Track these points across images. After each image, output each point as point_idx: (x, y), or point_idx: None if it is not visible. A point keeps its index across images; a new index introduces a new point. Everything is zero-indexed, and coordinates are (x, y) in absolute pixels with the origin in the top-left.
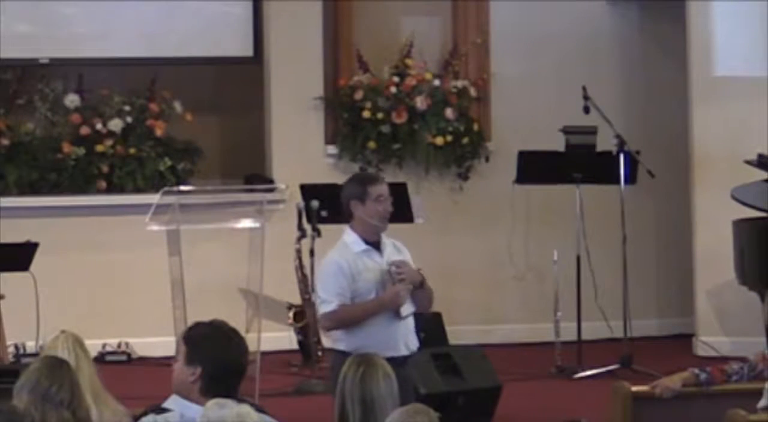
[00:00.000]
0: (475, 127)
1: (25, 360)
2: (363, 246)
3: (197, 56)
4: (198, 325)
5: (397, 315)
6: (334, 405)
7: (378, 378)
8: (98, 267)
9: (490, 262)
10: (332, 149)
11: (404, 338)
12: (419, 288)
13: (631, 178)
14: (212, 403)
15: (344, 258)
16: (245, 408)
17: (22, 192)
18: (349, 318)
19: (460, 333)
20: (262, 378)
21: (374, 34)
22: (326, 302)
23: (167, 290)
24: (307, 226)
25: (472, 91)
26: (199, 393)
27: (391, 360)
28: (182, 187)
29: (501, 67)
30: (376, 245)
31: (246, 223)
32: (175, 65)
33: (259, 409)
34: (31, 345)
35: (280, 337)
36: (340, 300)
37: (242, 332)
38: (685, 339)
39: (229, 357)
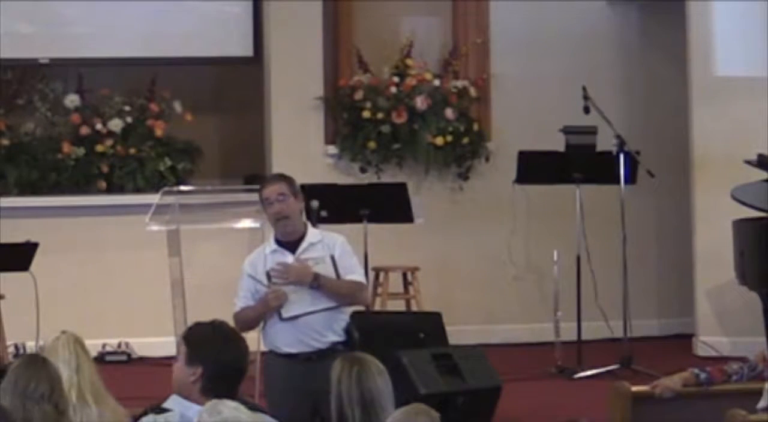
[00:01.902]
0: (475, 127)
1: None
2: (273, 246)
3: (197, 56)
4: (198, 325)
5: (279, 316)
6: (332, 409)
7: (374, 375)
8: (98, 267)
9: (490, 262)
10: (332, 149)
11: (303, 336)
12: (317, 287)
13: (631, 178)
14: (204, 411)
15: (251, 260)
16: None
17: (22, 192)
18: (244, 320)
19: (460, 333)
20: (262, 379)
21: (374, 34)
22: (235, 305)
23: (167, 290)
24: None
25: (472, 91)
26: (199, 393)
27: (296, 357)
28: (182, 187)
29: (501, 67)
30: (291, 245)
31: (246, 223)
32: (175, 65)
33: (259, 409)
34: (31, 345)
35: None
36: (243, 302)
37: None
38: (685, 339)
39: (230, 357)
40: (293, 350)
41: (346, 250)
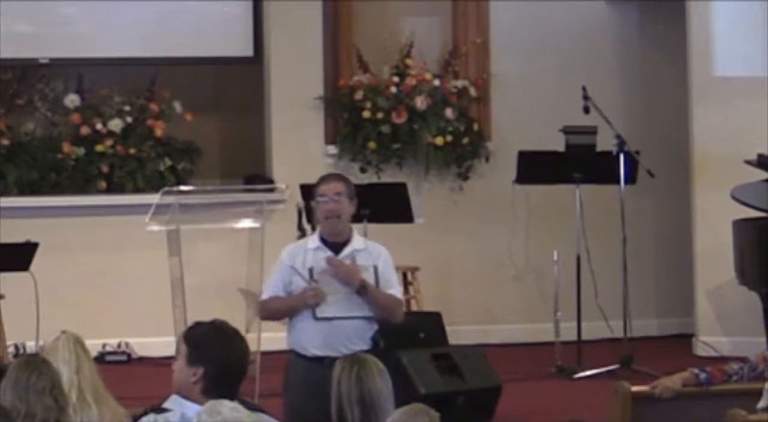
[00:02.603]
0: (475, 127)
1: None
2: (317, 244)
3: (197, 56)
4: (199, 325)
5: (313, 314)
6: (331, 409)
7: (374, 375)
8: (98, 267)
9: (489, 262)
10: (332, 149)
11: (332, 339)
12: (361, 293)
13: (631, 178)
14: (203, 412)
15: (291, 251)
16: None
17: (22, 192)
18: (272, 310)
19: (460, 333)
20: (262, 378)
21: (374, 34)
22: (263, 291)
23: (167, 290)
24: (307, 226)
25: (472, 91)
26: (200, 393)
27: (322, 360)
28: (182, 187)
29: (501, 67)
30: (336, 246)
31: (246, 223)
32: (175, 65)
33: (259, 409)
34: (31, 345)
35: (280, 337)
36: (271, 292)
37: (242, 332)
38: (685, 339)
39: (231, 357)
40: (320, 353)
41: (389, 264)
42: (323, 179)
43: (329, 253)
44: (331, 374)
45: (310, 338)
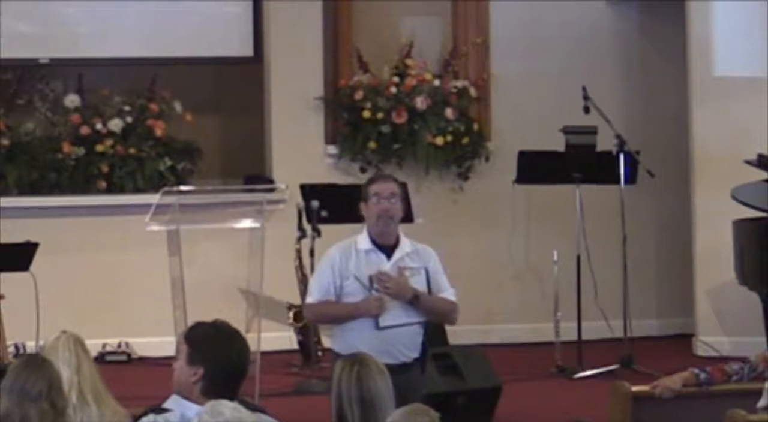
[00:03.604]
0: (475, 127)
1: None
2: (368, 246)
3: (197, 56)
4: (200, 325)
5: (375, 324)
6: (331, 409)
7: (374, 375)
8: (98, 267)
9: (489, 262)
10: (332, 149)
11: (391, 347)
12: (416, 304)
13: (631, 178)
14: (204, 413)
15: (341, 254)
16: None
17: (22, 192)
18: (326, 314)
19: (460, 333)
20: (262, 378)
21: (374, 34)
22: (310, 293)
23: (167, 290)
24: (307, 226)
25: (472, 91)
26: (200, 393)
27: None
28: (182, 187)
29: (501, 67)
30: (387, 248)
31: (246, 223)
32: (175, 65)
33: (259, 409)
34: (31, 345)
35: (280, 337)
36: (322, 294)
37: (242, 332)
38: (685, 339)
39: (232, 358)
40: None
41: (440, 265)
42: (376, 179)
43: (381, 256)
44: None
45: (368, 346)
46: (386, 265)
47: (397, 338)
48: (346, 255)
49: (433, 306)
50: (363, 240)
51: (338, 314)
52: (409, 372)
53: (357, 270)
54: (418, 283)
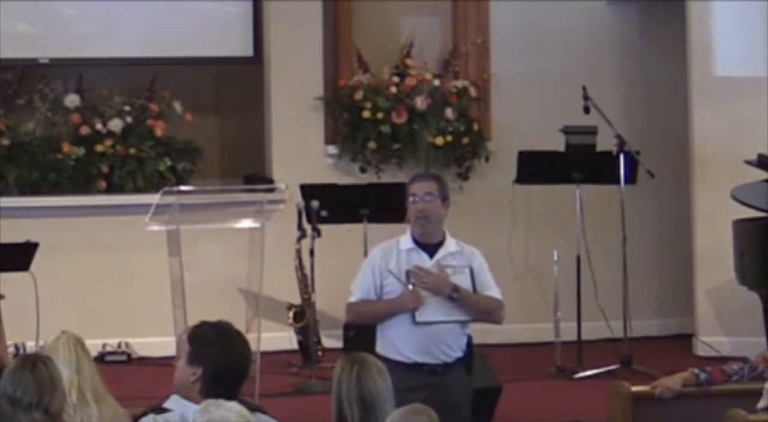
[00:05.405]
0: (475, 127)
1: None
2: (410, 245)
3: (197, 56)
4: (204, 325)
5: (412, 318)
6: (331, 409)
7: (374, 375)
8: (98, 267)
9: (489, 262)
10: (332, 149)
11: (431, 346)
12: (455, 299)
13: (631, 178)
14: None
15: (382, 253)
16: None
17: (22, 192)
18: (365, 313)
19: None
20: (262, 378)
21: (374, 34)
22: (352, 293)
23: (167, 290)
24: (307, 226)
25: (472, 91)
26: (198, 393)
27: (420, 366)
28: (182, 187)
29: (501, 67)
30: (429, 247)
31: (246, 223)
32: (175, 65)
33: (259, 409)
34: (31, 345)
35: (280, 337)
36: (363, 293)
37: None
38: (685, 339)
39: (232, 359)
40: (419, 359)
41: (485, 265)
42: (415, 178)
43: (423, 255)
44: (431, 381)
45: (407, 343)
46: (427, 264)
47: (438, 336)
48: (387, 256)
49: (475, 302)
50: (405, 240)
51: (376, 311)
52: (451, 372)
53: (396, 268)
54: (462, 282)
